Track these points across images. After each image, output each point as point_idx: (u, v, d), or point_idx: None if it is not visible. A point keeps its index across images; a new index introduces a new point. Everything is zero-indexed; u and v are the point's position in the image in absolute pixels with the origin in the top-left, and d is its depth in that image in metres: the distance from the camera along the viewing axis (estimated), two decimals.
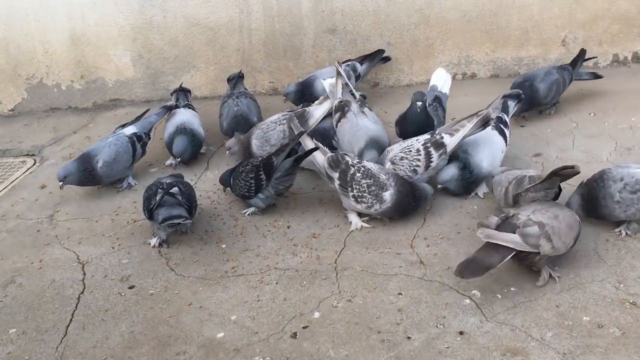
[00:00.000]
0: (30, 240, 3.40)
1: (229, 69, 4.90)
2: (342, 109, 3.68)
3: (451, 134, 3.37)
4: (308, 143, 3.38)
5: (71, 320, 2.76)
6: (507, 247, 2.60)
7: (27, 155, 4.52)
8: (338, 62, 3.87)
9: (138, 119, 4.02)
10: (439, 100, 3.82)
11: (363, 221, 3.28)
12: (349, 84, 3.78)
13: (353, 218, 3.28)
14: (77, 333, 2.67)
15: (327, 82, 3.85)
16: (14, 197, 3.89)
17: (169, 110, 4.10)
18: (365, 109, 3.68)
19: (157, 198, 3.09)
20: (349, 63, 4.46)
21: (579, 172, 2.83)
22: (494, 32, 4.83)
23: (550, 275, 2.74)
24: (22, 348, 2.61)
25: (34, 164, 4.37)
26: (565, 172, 2.81)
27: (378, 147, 3.51)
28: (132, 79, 4.97)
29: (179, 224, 3.09)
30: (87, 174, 3.64)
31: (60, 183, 3.63)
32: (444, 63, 4.91)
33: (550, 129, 4.14)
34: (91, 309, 2.82)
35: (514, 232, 2.63)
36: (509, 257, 2.60)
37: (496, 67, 4.93)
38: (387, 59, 4.66)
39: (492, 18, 4.78)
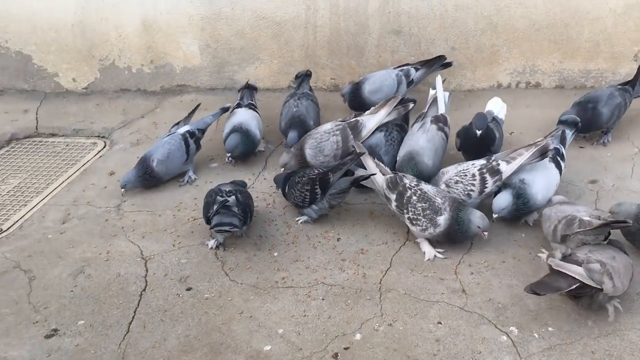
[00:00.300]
0: (99, 230, 3.66)
1: (292, 63, 4.99)
2: (417, 118, 3.86)
3: (508, 162, 3.40)
4: (370, 164, 3.48)
5: (133, 317, 3.00)
6: (573, 277, 2.69)
7: (98, 137, 4.77)
8: (440, 77, 3.98)
9: (190, 115, 4.23)
10: (496, 120, 3.84)
11: (437, 251, 3.30)
12: (441, 98, 3.87)
13: (426, 248, 3.32)
14: (138, 331, 2.92)
15: (432, 92, 3.97)
16: (85, 182, 4.16)
17: (224, 111, 4.29)
18: (433, 127, 3.71)
19: (214, 208, 3.29)
20: (403, 68, 4.48)
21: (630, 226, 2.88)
22: (563, 43, 4.72)
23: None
24: (89, 341, 2.88)
25: (104, 147, 4.62)
26: (617, 226, 2.84)
27: (411, 164, 3.60)
28: (198, 67, 5.13)
29: (227, 231, 3.30)
30: (145, 177, 3.90)
31: (122, 190, 3.88)
32: (508, 71, 4.86)
33: (610, 152, 4.08)
34: (151, 308, 3.05)
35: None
36: (575, 286, 2.68)
37: (562, 78, 4.83)
38: (449, 64, 4.63)
39: (562, 29, 4.67)
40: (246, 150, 4.10)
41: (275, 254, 3.39)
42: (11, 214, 3.86)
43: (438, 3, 4.69)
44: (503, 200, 3.33)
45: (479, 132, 3.58)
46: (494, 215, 3.31)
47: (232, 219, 3.27)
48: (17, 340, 2.87)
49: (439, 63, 4.58)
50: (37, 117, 5.02)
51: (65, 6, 5.00)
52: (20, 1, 5.01)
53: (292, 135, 4.05)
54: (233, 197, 3.36)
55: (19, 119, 5.00)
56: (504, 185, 3.40)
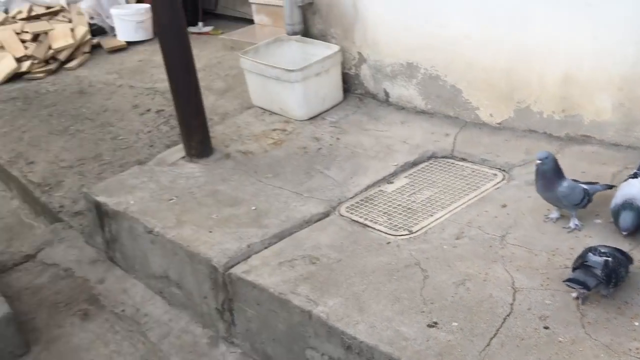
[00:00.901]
0: (483, 253, 4.39)
1: None
2: None
3: None
4: None
5: (495, 334, 3.65)
6: None
7: (499, 169, 5.50)
8: None
9: (590, 183, 4.54)
10: None
11: None
12: None
13: None
14: (496, 347, 3.56)
15: None
16: (480, 208, 4.94)
17: (609, 188, 4.52)
18: None
19: (575, 264, 3.75)
20: None
21: None
22: None
23: None
24: (458, 341, 3.64)
25: (502, 180, 5.33)
26: None
27: None
28: (607, 122, 5.38)
29: (572, 288, 3.66)
30: (554, 172, 4.36)
31: (539, 162, 4.38)
32: None
33: None
34: (511, 332, 3.65)
35: None
36: None
37: None
38: None
39: None
40: (636, 228, 4.24)
41: (636, 323, 3.58)
42: (420, 220, 4.92)
43: None
44: None
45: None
46: None
47: (588, 279, 3.61)
48: (408, 320, 3.83)
49: None
50: (454, 142, 6.03)
51: (499, 54, 5.83)
52: (460, 47, 6.03)
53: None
54: (601, 259, 3.67)
55: (440, 141, 6.08)
56: None
